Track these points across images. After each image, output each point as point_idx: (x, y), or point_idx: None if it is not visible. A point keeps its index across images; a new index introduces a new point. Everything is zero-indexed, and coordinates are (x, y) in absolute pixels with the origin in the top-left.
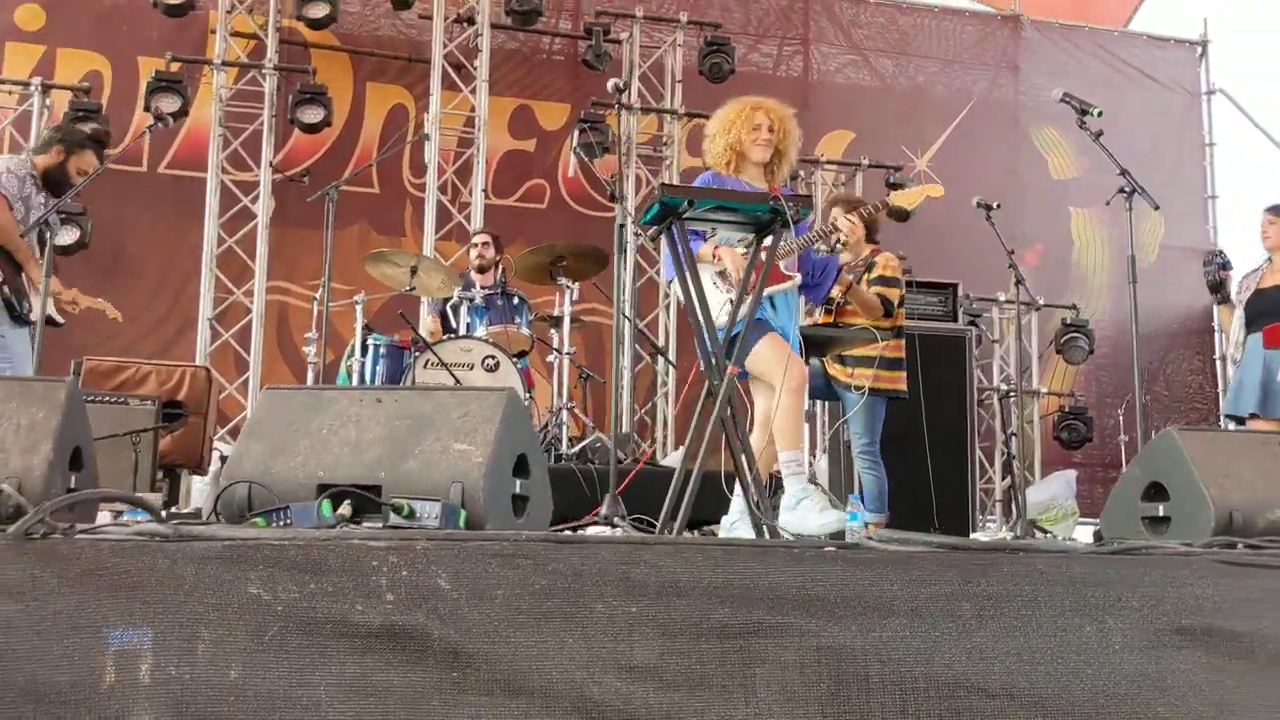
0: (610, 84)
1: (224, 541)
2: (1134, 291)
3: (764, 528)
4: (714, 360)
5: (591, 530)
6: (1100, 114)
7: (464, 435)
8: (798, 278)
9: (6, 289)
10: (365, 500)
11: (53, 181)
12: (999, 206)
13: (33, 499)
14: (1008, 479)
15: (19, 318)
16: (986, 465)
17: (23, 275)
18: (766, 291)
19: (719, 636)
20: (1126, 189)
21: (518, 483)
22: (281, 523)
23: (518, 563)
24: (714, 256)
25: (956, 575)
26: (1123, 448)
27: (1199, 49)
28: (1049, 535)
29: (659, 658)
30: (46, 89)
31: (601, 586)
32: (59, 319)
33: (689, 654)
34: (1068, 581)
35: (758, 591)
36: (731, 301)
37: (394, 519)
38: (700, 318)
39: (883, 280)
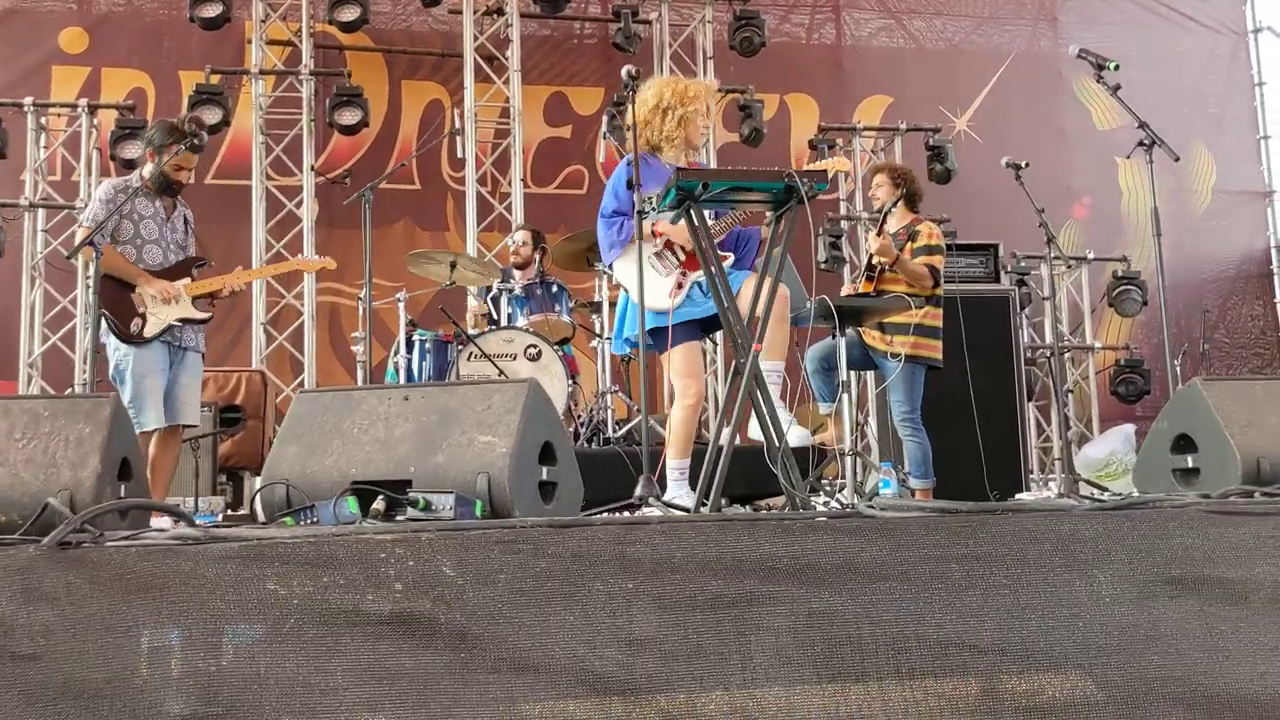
0: (624, 70)
1: (241, 542)
2: (1159, 245)
3: (795, 499)
4: (738, 338)
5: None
6: (1117, 68)
7: (488, 427)
8: (732, 257)
9: (106, 312)
10: (393, 496)
11: (162, 185)
12: (1028, 165)
13: (84, 510)
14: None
15: (127, 338)
16: (1044, 425)
17: (135, 292)
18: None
19: (713, 607)
20: (1146, 141)
21: (544, 470)
22: (309, 520)
23: (518, 548)
24: (654, 233)
25: (944, 538)
26: None
27: None
28: (1105, 492)
29: (657, 629)
30: (93, 109)
31: (599, 566)
32: (198, 315)
33: (685, 625)
34: (1055, 539)
35: (750, 563)
36: (679, 285)
37: (411, 512)
38: (723, 297)
39: (928, 249)
